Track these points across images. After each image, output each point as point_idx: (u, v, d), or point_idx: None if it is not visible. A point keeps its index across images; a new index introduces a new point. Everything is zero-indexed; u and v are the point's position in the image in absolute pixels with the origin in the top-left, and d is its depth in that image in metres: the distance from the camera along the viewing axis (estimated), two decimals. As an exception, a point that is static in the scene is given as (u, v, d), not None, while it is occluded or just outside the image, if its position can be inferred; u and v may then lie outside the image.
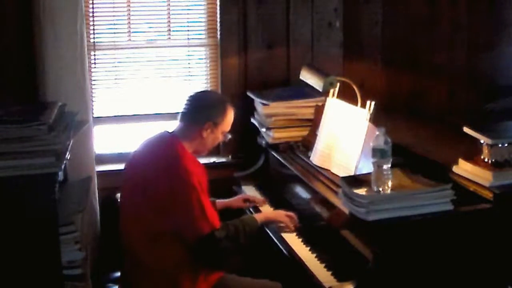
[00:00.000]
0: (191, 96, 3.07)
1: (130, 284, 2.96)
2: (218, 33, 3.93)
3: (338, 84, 3.33)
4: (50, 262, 2.64)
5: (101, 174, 3.66)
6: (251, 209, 3.32)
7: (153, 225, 2.82)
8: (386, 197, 2.44)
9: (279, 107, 3.66)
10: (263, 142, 3.71)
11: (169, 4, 3.90)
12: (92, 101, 3.76)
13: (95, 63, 3.81)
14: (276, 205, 3.34)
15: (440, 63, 4.22)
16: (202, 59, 4.03)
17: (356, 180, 2.62)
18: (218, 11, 3.91)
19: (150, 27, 3.97)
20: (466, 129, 2.69)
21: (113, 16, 3.84)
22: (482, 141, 2.64)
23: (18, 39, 3.55)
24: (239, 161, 3.91)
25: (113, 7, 3.82)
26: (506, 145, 2.61)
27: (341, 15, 4.04)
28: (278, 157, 3.50)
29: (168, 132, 3.00)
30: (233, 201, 3.40)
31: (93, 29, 3.77)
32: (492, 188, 2.54)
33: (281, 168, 3.47)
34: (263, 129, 3.71)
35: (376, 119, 2.96)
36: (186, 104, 3.03)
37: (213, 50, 3.99)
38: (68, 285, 2.72)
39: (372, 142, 2.51)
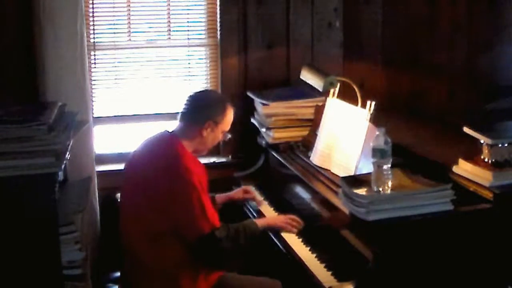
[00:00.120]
0: (191, 95, 3.08)
1: (130, 284, 2.96)
2: (218, 33, 3.93)
3: (338, 84, 3.33)
4: (50, 262, 2.64)
5: (101, 174, 3.66)
6: (254, 213, 3.30)
7: (153, 224, 2.82)
8: (386, 197, 2.45)
9: (279, 107, 3.66)
10: (263, 142, 3.71)
11: (169, 4, 3.90)
12: (92, 101, 3.76)
13: (95, 63, 3.81)
14: (276, 205, 3.34)
15: (440, 63, 4.22)
16: (202, 59, 4.03)
17: (356, 180, 2.62)
18: (218, 11, 3.91)
19: (150, 27, 3.97)
20: (466, 129, 2.69)
21: (113, 16, 3.84)
22: (482, 141, 2.64)
23: (18, 39, 3.55)
24: (239, 161, 3.91)
25: (113, 7, 3.82)
26: (506, 145, 2.61)
27: (341, 15, 4.04)
28: (278, 157, 3.50)
29: (168, 131, 3.00)
30: (233, 193, 3.40)
31: (93, 29, 3.77)
32: (492, 188, 2.54)
33: (281, 168, 3.46)
34: (263, 129, 3.71)
35: (376, 119, 2.96)
36: (186, 104, 3.03)
37: (213, 50, 3.99)
38: (68, 285, 2.72)
39: (372, 142, 2.51)
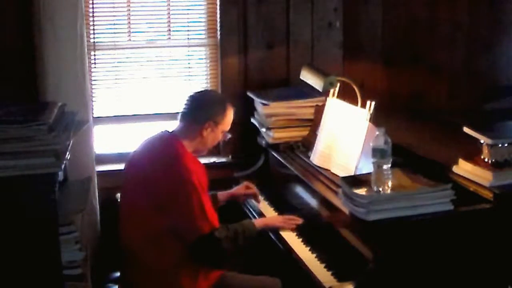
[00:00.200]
0: (191, 95, 3.08)
1: (130, 284, 2.96)
2: (218, 33, 3.93)
3: (338, 84, 3.33)
4: (50, 262, 2.64)
5: (101, 174, 3.66)
6: (254, 214, 3.31)
7: (153, 224, 2.82)
8: (386, 197, 2.45)
9: (279, 107, 3.66)
10: (263, 142, 3.71)
11: (169, 4, 3.90)
12: (92, 101, 3.76)
13: (95, 63, 3.81)
14: (276, 205, 3.34)
15: (440, 63, 4.22)
16: (202, 59, 4.03)
17: (356, 180, 2.62)
18: (218, 11, 3.91)
19: (150, 27, 3.97)
20: (466, 129, 2.69)
21: (113, 16, 3.84)
22: (482, 141, 2.64)
23: (18, 39, 3.55)
24: (239, 161, 3.91)
25: (113, 7, 3.82)
26: (506, 145, 2.61)
27: (341, 15, 4.04)
28: (278, 157, 3.50)
29: (168, 131, 3.00)
30: (235, 190, 3.40)
31: (93, 29, 3.77)
32: (492, 188, 2.54)
33: (281, 168, 3.47)
34: (263, 129, 3.71)
35: (376, 119, 2.96)
36: (186, 104, 3.03)
37: (213, 50, 3.99)
38: (68, 285, 2.72)
39: (372, 142, 2.51)
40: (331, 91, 3.33)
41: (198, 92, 3.19)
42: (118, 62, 3.91)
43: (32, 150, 2.58)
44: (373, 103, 2.98)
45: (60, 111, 2.94)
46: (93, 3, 3.74)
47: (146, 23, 3.95)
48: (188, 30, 3.96)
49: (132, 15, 3.86)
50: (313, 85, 3.40)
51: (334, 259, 2.69)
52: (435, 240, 2.46)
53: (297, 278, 2.75)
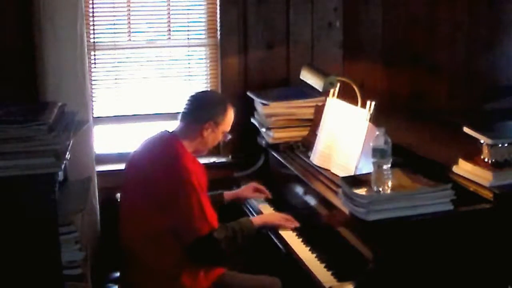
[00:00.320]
0: (192, 96, 3.08)
1: (130, 284, 2.97)
2: (218, 33, 3.93)
3: (338, 84, 3.33)
4: (50, 262, 2.64)
5: (101, 174, 3.66)
6: (252, 211, 3.31)
7: (153, 224, 2.82)
8: (386, 197, 2.45)
9: (279, 107, 3.66)
10: (263, 142, 3.71)
11: (169, 4, 3.90)
12: (92, 101, 3.76)
13: (95, 63, 3.81)
14: (276, 205, 3.34)
15: (440, 63, 4.22)
16: (202, 59, 4.03)
17: (356, 180, 2.62)
18: (218, 11, 3.91)
19: (150, 27, 3.97)
20: (466, 129, 2.69)
21: (113, 16, 3.84)
22: (482, 141, 2.64)
23: (18, 39, 3.55)
24: (239, 161, 3.91)
25: (113, 7, 3.83)
26: (506, 145, 2.61)
27: (341, 15, 4.04)
28: (278, 157, 3.50)
29: (168, 131, 3.00)
30: (242, 191, 3.40)
31: (93, 29, 3.77)
32: (492, 188, 2.54)
33: (281, 168, 3.46)
34: (263, 129, 3.71)
35: (376, 119, 2.96)
36: (186, 104, 3.03)
37: (213, 50, 3.99)
38: (68, 285, 2.72)
39: (372, 142, 2.51)
40: (331, 91, 3.33)
41: (199, 92, 3.19)
42: (118, 62, 3.91)
43: (32, 150, 2.58)
44: (373, 103, 2.98)
45: (60, 111, 2.93)
46: (93, 3, 3.74)
47: (146, 23, 3.95)
48: (188, 30, 3.96)
49: (132, 15, 3.86)
50: (313, 85, 3.40)
51: (334, 259, 2.69)
52: (435, 240, 2.46)
53: (297, 278, 2.75)
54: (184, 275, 2.84)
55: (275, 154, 3.56)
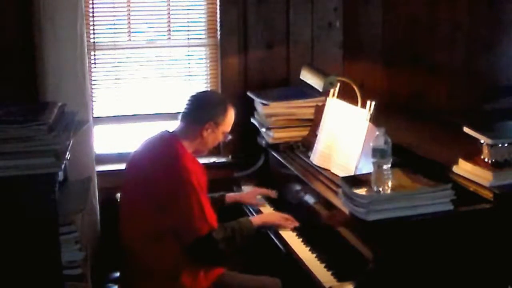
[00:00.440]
0: (192, 96, 3.08)
1: (130, 284, 2.97)
2: (218, 33, 3.93)
3: (338, 84, 3.33)
4: (50, 262, 2.64)
5: (101, 174, 3.66)
6: (252, 211, 3.31)
7: (153, 224, 2.83)
8: (386, 197, 2.44)
9: (279, 107, 3.66)
10: (263, 142, 3.71)
11: (169, 4, 3.90)
12: (92, 101, 3.76)
13: (95, 63, 3.81)
14: (276, 205, 3.34)
15: (440, 63, 4.22)
16: (202, 59, 4.03)
17: (356, 180, 2.62)
18: (218, 11, 3.91)
19: (150, 27, 3.97)
20: (466, 129, 2.69)
21: (113, 16, 3.84)
22: (482, 141, 2.64)
23: (18, 39, 3.55)
24: (239, 161, 3.91)
25: (113, 7, 3.83)
26: (506, 145, 2.61)
27: (341, 15, 4.04)
28: (278, 157, 3.50)
29: (168, 131, 3.00)
30: (244, 196, 3.40)
31: (93, 29, 3.77)
32: (492, 188, 2.54)
33: (281, 168, 3.46)
34: (263, 129, 3.71)
35: (376, 119, 2.96)
36: (187, 104, 3.04)
37: (213, 50, 3.99)
38: (68, 285, 2.72)
39: (372, 142, 2.51)
40: (331, 91, 3.33)
41: (199, 92, 3.19)
42: (118, 62, 3.91)
43: (32, 150, 2.58)
44: (373, 103, 2.98)
45: (60, 111, 2.93)
46: (93, 3, 3.74)
47: (146, 23, 3.95)
48: (188, 30, 3.96)
49: (132, 15, 3.86)
50: (313, 85, 3.40)
51: (334, 259, 2.69)
52: (435, 240, 2.46)
53: (297, 278, 2.75)
54: (184, 275, 2.84)
55: (275, 154, 3.56)
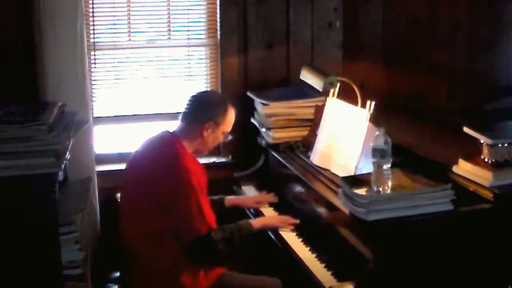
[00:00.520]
0: (192, 96, 3.08)
1: (130, 284, 2.97)
2: (218, 33, 3.93)
3: (338, 84, 3.33)
4: (50, 262, 2.64)
5: (101, 174, 3.66)
6: (252, 211, 3.32)
7: (153, 224, 2.83)
8: (386, 197, 2.44)
9: (279, 107, 3.66)
10: (263, 142, 3.71)
11: (169, 4, 3.90)
12: (92, 101, 3.76)
13: (95, 63, 3.81)
14: (276, 205, 3.34)
15: (440, 63, 4.22)
16: (202, 59, 4.03)
17: (356, 180, 2.62)
18: (218, 11, 3.91)
19: (150, 27, 3.97)
20: (466, 129, 2.69)
21: (113, 16, 3.84)
22: (482, 141, 2.64)
23: (18, 39, 3.55)
24: (239, 161, 3.91)
25: (113, 7, 3.83)
26: (506, 145, 2.61)
27: (341, 15, 4.04)
28: (278, 157, 3.50)
29: (168, 131, 3.00)
30: (244, 200, 3.40)
31: (93, 29, 3.77)
32: (492, 188, 2.54)
33: (281, 168, 3.46)
34: (263, 129, 3.71)
35: (376, 119, 2.96)
36: (187, 104, 3.04)
37: (213, 50, 3.99)
38: (68, 285, 2.72)
39: (372, 142, 2.51)
40: (331, 91, 3.33)
41: (200, 92, 3.19)
42: (118, 62, 3.91)
43: (32, 150, 2.58)
44: (373, 103, 2.98)
45: (60, 111, 2.93)
46: (93, 3, 3.74)
47: (146, 23, 3.95)
48: (188, 30, 3.96)
49: (132, 15, 3.86)
50: (313, 85, 3.40)
51: (334, 259, 2.69)
52: (435, 240, 2.46)
53: (297, 278, 2.75)
54: (184, 275, 2.84)
55: (275, 154, 3.56)
